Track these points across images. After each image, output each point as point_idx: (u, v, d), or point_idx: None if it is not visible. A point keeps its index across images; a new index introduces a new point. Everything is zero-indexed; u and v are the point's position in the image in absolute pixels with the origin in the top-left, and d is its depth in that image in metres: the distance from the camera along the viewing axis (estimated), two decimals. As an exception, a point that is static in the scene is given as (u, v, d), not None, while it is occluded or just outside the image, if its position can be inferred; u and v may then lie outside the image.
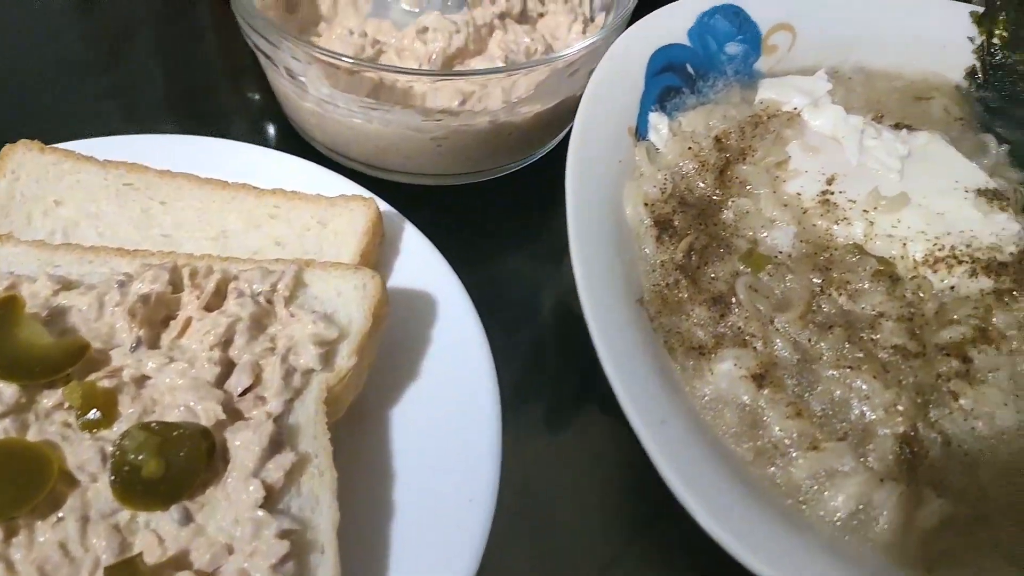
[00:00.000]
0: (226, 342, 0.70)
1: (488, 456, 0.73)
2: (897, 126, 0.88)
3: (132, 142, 0.91)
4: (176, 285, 0.74)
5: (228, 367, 0.70)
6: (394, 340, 0.82)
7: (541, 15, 1.08)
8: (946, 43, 0.97)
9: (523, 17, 1.06)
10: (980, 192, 0.80)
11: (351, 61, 0.86)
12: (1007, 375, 0.71)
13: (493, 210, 1.01)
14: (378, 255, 0.88)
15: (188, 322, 0.72)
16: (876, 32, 0.96)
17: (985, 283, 0.76)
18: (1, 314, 0.67)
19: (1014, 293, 0.76)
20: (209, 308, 0.72)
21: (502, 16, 1.02)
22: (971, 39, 0.96)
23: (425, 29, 0.98)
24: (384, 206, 0.89)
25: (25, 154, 0.87)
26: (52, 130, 0.90)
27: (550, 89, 0.92)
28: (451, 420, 0.76)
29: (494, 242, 1.00)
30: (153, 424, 0.64)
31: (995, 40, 0.95)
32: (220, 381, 0.69)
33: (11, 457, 0.62)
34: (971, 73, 0.97)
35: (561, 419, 0.85)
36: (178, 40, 1.25)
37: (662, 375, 0.65)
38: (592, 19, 1.10)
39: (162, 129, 0.98)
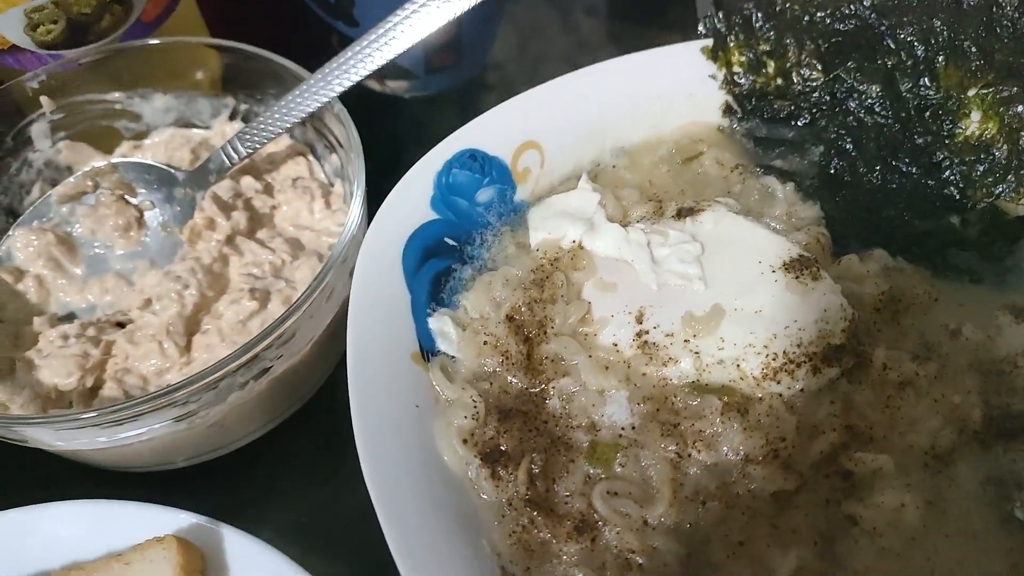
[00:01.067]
0: None
1: None
2: (679, 214, 0.81)
3: None
4: None
5: None
6: None
7: (274, 208, 0.95)
8: (691, 90, 0.90)
9: (256, 223, 0.93)
10: (786, 267, 0.74)
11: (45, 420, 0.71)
12: (892, 469, 0.66)
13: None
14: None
15: None
16: (618, 107, 0.89)
17: (831, 373, 0.70)
18: None
19: (862, 368, 0.71)
20: None
21: (230, 238, 0.89)
22: (713, 76, 0.91)
23: (148, 300, 0.83)
24: (193, 519, 0.75)
25: None
26: None
27: (317, 316, 0.80)
28: None
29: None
30: None
31: (736, 68, 0.90)
32: None
33: None
34: (727, 110, 0.92)
35: None
36: None
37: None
38: (332, 185, 0.98)
39: None
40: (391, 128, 1.08)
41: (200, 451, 0.84)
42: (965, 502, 0.65)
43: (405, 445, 0.66)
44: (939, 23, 0.84)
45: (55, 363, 0.80)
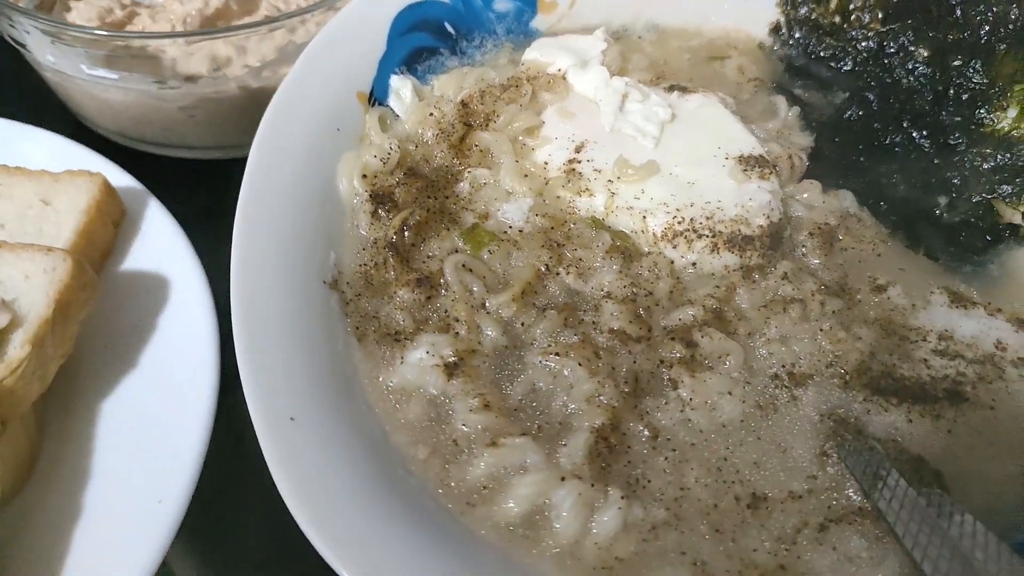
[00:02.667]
0: None
1: (189, 458, 0.67)
2: (672, 89, 0.80)
3: None
4: None
5: None
6: (110, 327, 0.75)
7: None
8: (749, -3, 0.89)
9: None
10: (741, 159, 0.73)
11: (72, 29, 0.79)
12: (738, 361, 0.64)
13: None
14: (112, 235, 0.81)
15: None
16: (671, -14, 0.88)
17: (730, 259, 0.69)
18: None
19: (763, 269, 0.69)
20: None
21: (275, -30, 0.95)
22: (774, -9, 0.89)
23: (181, -11, 0.91)
24: (128, 181, 0.82)
25: None
26: None
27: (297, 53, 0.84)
28: (161, 417, 0.70)
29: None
30: None
31: (800, -8, 0.88)
32: None
33: None
34: (775, 29, 0.89)
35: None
36: None
37: (328, 364, 0.59)
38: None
39: None
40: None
41: (170, 139, 0.90)
42: (794, 421, 0.63)
43: (311, 171, 0.69)
44: (1015, 12, 0.78)
45: (83, 7, 0.88)
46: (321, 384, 0.57)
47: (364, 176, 0.71)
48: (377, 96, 0.77)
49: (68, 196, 0.79)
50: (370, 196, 0.70)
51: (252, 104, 0.87)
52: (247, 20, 0.92)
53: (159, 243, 0.80)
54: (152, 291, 0.77)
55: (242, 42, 0.84)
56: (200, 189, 0.86)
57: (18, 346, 0.67)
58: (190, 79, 0.83)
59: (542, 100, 0.79)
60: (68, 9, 0.91)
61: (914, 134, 0.80)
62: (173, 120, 0.87)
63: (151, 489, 0.66)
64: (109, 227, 0.80)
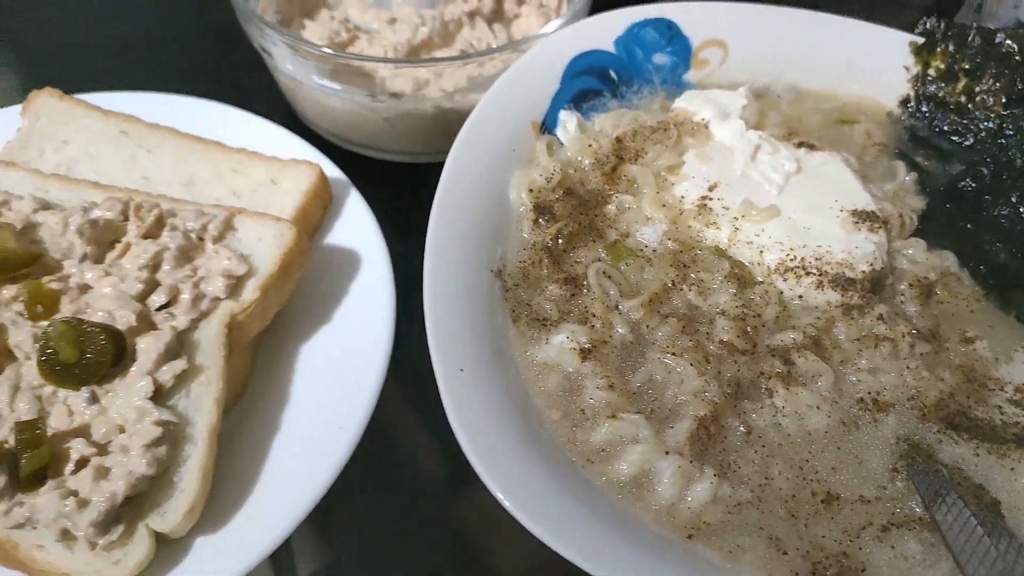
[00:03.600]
0: (154, 266, 0.85)
1: (367, 394, 0.84)
2: (800, 145, 0.92)
3: (131, 97, 1.08)
4: (126, 215, 0.89)
5: (153, 286, 0.84)
6: (314, 288, 0.94)
7: (517, 16, 1.18)
8: (883, 71, 0.99)
9: (498, 16, 1.16)
10: (855, 213, 0.84)
11: (312, 47, 0.98)
12: (829, 383, 0.75)
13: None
14: (321, 215, 1.00)
15: (127, 246, 0.86)
16: (813, 55, 1.00)
17: (833, 296, 0.80)
18: (-21, 221, 0.83)
19: (862, 309, 0.79)
20: (147, 237, 0.87)
21: (472, 14, 1.13)
22: (907, 68, 0.99)
23: (393, 20, 1.10)
24: (335, 173, 1.01)
25: (47, 100, 1.04)
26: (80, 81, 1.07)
27: (483, 83, 1.01)
28: (346, 362, 0.87)
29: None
30: (73, 320, 0.79)
31: (931, 71, 0.97)
32: (143, 296, 0.83)
33: (-37, 329, 0.78)
34: (904, 101, 0.99)
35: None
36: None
37: (490, 335, 0.74)
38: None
39: (181, 90, 1.13)
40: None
41: (372, 142, 1.09)
42: (872, 439, 0.73)
43: (489, 181, 0.85)
44: None
45: (316, 27, 1.09)
46: (483, 349, 0.73)
47: (530, 190, 0.86)
48: (547, 126, 0.92)
49: (292, 179, 0.99)
50: (533, 207, 0.85)
51: (443, 121, 1.05)
52: (445, 51, 1.10)
53: (356, 226, 0.98)
54: (347, 263, 0.95)
55: (439, 70, 1.01)
56: (391, 186, 1.04)
57: (251, 291, 0.86)
58: (395, 96, 1.01)
59: (685, 143, 0.92)
60: (303, 27, 1.12)
61: (1021, 209, 0.89)
62: (377, 127, 1.06)
63: (335, 417, 0.83)
64: (320, 208, 0.99)
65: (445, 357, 0.68)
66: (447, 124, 1.06)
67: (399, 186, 1.04)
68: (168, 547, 0.75)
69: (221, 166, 1.01)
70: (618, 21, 0.97)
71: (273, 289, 0.87)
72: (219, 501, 0.78)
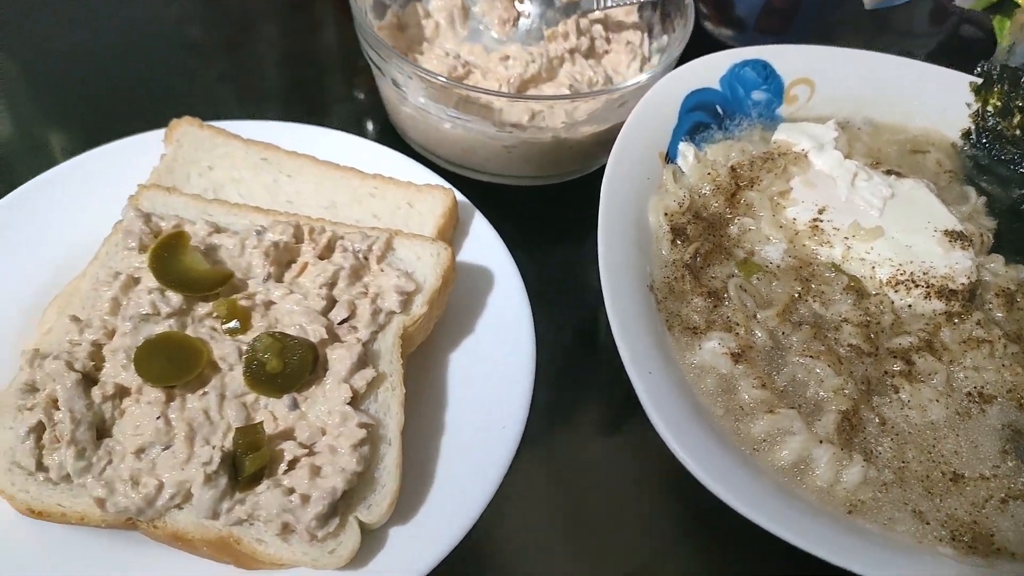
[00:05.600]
0: (331, 284, 0.93)
1: (521, 395, 0.93)
2: (888, 172, 1.05)
3: (266, 126, 1.15)
4: (297, 237, 0.97)
5: (331, 302, 0.92)
6: (457, 301, 1.03)
7: (606, 52, 1.29)
8: (946, 107, 1.13)
9: (591, 53, 1.27)
10: (947, 233, 0.97)
11: (443, 80, 1.08)
12: (943, 379, 0.88)
13: (550, 210, 1.22)
14: (451, 235, 1.10)
15: (305, 266, 0.95)
16: (885, 92, 1.13)
17: (938, 305, 0.92)
18: (174, 243, 0.91)
19: (962, 315, 0.92)
20: (321, 257, 0.95)
21: (572, 51, 1.24)
22: (968, 105, 1.13)
23: (507, 57, 1.20)
24: (460, 197, 1.11)
25: (187, 128, 1.11)
26: (175, 107, 1.14)
27: (603, 115, 1.12)
28: (494, 366, 0.97)
29: (548, 235, 1.21)
30: (277, 333, 0.86)
31: (989, 108, 1.12)
32: (325, 312, 0.91)
33: (176, 343, 0.85)
34: (966, 134, 1.14)
35: (579, 379, 1.05)
36: (297, 33, 1.51)
37: (657, 342, 0.85)
38: (649, 59, 1.30)
39: (271, 115, 1.21)
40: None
41: (486, 167, 1.19)
42: (982, 426, 0.86)
43: (632, 206, 0.96)
44: None
45: (434, 61, 1.18)
46: (658, 354, 0.83)
47: (665, 214, 0.97)
48: (671, 156, 1.03)
49: (427, 202, 1.08)
50: (670, 228, 0.96)
51: (558, 148, 1.15)
52: (550, 84, 1.20)
53: (484, 243, 1.08)
54: (481, 278, 1.05)
55: (552, 104, 1.11)
56: (502, 206, 1.14)
57: (419, 305, 0.95)
58: (516, 126, 1.11)
59: (790, 171, 1.04)
60: (417, 62, 1.21)
61: (1077, 228, 1.03)
62: (495, 153, 1.15)
63: (496, 418, 0.92)
64: (451, 229, 1.08)
65: (637, 362, 0.78)
66: (559, 152, 1.17)
67: (509, 206, 1.14)
68: (367, 537, 0.84)
69: (359, 191, 1.09)
70: (722, 62, 1.09)
71: (435, 303, 0.96)
72: (404, 496, 0.87)
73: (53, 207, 1.06)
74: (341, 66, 1.49)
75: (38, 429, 0.82)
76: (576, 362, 1.06)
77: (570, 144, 1.15)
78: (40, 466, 0.81)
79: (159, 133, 1.13)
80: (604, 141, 1.19)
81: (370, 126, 1.35)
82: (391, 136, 1.28)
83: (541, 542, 0.93)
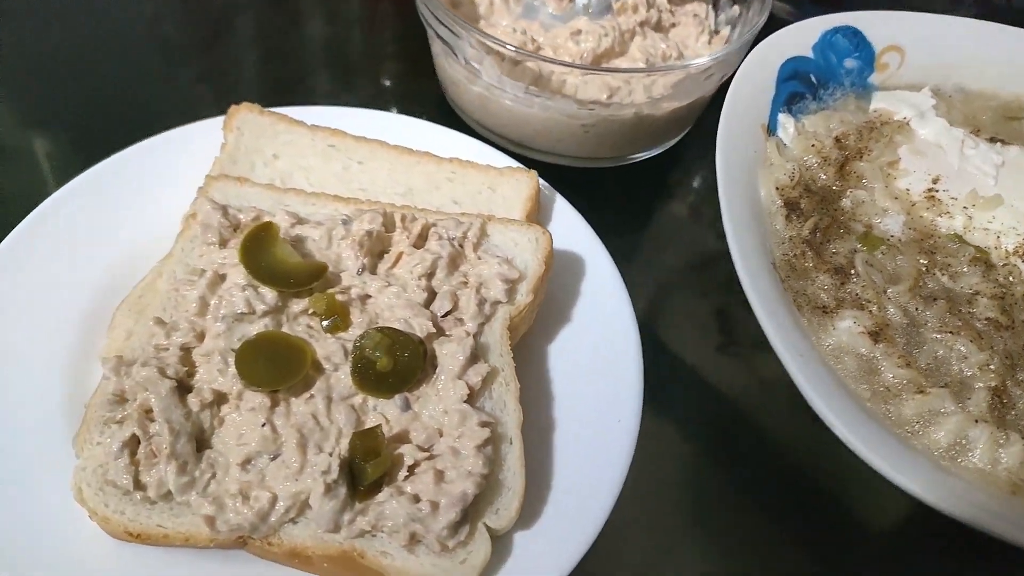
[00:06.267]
0: (430, 274, 0.86)
1: (633, 385, 0.87)
2: (992, 140, 1.01)
3: (329, 112, 1.08)
4: (388, 226, 0.90)
5: (431, 294, 0.86)
6: (550, 290, 0.97)
7: (673, 25, 1.23)
8: (1038, 70, 1.10)
9: (658, 27, 1.21)
10: (1064, 198, 0.93)
11: (520, 51, 1.01)
12: (1083, 347, 0.84)
13: (624, 191, 1.17)
14: (536, 219, 1.03)
15: (399, 256, 0.88)
16: (976, 58, 1.09)
17: (1067, 273, 0.89)
18: (262, 235, 0.83)
19: (1092, 282, 0.89)
20: (415, 247, 0.88)
21: (642, 24, 1.18)
22: (1061, 69, 1.09)
23: (578, 31, 1.14)
24: (544, 183, 1.04)
25: (247, 115, 1.04)
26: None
27: (686, 90, 1.07)
28: (598, 356, 0.90)
29: (626, 217, 1.15)
30: (386, 329, 0.79)
31: (1082, 70, 1.08)
32: (426, 304, 0.84)
33: (279, 343, 0.78)
34: (1060, 99, 1.10)
35: (685, 366, 0.99)
36: (319, 20, 1.43)
37: (794, 323, 0.79)
38: (717, 31, 1.24)
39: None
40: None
41: (556, 148, 1.13)
42: None
43: (742, 182, 0.91)
44: None
45: (504, 37, 1.12)
46: (800, 337, 0.78)
47: (776, 188, 0.92)
48: (771, 128, 0.98)
49: (511, 186, 1.01)
50: (783, 203, 0.91)
51: (637, 127, 1.09)
52: (623, 59, 1.14)
53: (569, 227, 1.01)
54: (570, 264, 0.99)
55: (628, 78, 1.06)
56: (576, 189, 1.07)
57: (523, 294, 0.88)
58: (597, 103, 1.05)
59: (895, 141, 1.00)
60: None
61: None
62: (569, 134, 1.09)
63: (609, 411, 0.86)
64: (536, 215, 1.02)
65: (789, 346, 0.73)
66: (636, 131, 1.11)
67: (581, 189, 1.08)
68: (493, 544, 0.77)
69: (436, 176, 1.02)
70: (814, 28, 1.04)
71: (539, 291, 0.90)
72: (525, 498, 0.80)
73: (104, 206, 0.97)
74: (368, 51, 1.41)
75: (132, 443, 0.74)
76: (678, 347, 1.00)
77: (650, 122, 1.10)
78: (137, 484, 0.73)
79: (210, 123, 1.05)
80: (681, 118, 1.14)
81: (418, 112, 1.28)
82: (445, 121, 1.21)
83: (665, 542, 0.87)
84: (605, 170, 1.18)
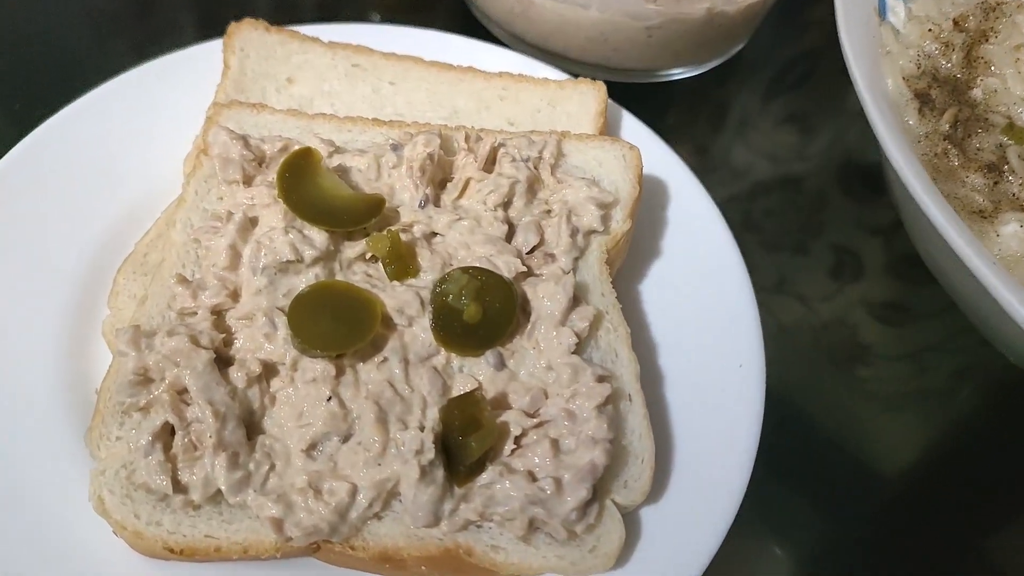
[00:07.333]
0: (506, 203, 0.70)
1: (749, 324, 0.73)
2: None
3: (350, 29, 0.90)
4: (447, 150, 0.73)
5: (511, 227, 0.70)
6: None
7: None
8: None
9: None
10: None
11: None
12: None
13: (693, 103, 1.02)
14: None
15: (467, 183, 0.71)
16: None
17: None
18: (301, 164, 0.66)
19: None
20: (484, 172, 0.72)
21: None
22: None
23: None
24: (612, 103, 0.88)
25: (250, 33, 0.86)
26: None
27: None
28: (703, 293, 0.76)
29: (702, 130, 1.00)
30: (473, 269, 0.64)
31: None
32: (507, 239, 0.69)
33: (341, 296, 0.62)
34: None
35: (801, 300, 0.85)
36: None
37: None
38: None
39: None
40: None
41: (610, 61, 0.97)
42: None
43: (866, 74, 0.76)
44: None
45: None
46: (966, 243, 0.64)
47: (903, 78, 0.78)
48: (881, 12, 0.83)
49: (575, 101, 0.85)
50: (913, 95, 0.77)
51: (706, 27, 0.94)
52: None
53: (644, 146, 0.85)
54: (650, 189, 0.84)
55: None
56: (638, 104, 0.92)
57: (619, 221, 0.73)
58: (665, 1, 0.89)
59: (1015, 20, 0.85)
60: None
61: None
62: (629, 39, 0.93)
63: (727, 355, 0.72)
64: (606, 133, 0.86)
65: (981, 255, 0.59)
66: (705, 33, 0.96)
67: (644, 103, 0.92)
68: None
69: (484, 94, 0.86)
70: (912, -102, 0.89)
71: (635, 217, 0.75)
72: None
73: (88, 152, 0.79)
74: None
75: (164, 434, 0.58)
76: (792, 274, 0.86)
77: (720, 21, 0.94)
78: (176, 485, 0.57)
79: (206, 47, 0.87)
80: (752, 16, 0.99)
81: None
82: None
83: (803, 516, 0.74)
84: (657, 87, 1.02)
